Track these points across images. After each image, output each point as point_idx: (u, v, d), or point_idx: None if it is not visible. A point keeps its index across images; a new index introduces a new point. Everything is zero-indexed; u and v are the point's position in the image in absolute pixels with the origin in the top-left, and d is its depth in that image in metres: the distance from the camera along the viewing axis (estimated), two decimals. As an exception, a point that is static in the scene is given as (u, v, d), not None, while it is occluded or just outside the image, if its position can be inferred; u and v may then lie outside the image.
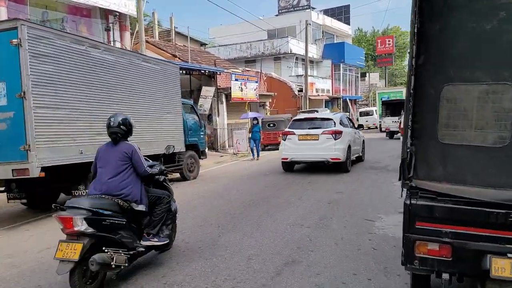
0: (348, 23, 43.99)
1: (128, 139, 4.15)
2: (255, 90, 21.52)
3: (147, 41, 20.07)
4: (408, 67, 2.75)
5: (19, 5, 12.81)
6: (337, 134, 10.24)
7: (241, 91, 20.19)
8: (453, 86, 2.63)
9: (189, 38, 21.20)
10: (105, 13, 15.58)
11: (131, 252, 3.76)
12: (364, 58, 44.16)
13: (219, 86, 19.51)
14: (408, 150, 2.70)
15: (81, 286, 3.41)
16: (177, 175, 10.85)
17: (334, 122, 10.67)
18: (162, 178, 4.34)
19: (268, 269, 4.04)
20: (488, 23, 2.51)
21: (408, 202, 2.70)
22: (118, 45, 14.96)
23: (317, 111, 23.66)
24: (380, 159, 13.23)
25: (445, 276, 2.63)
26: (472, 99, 2.59)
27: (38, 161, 5.98)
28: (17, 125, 5.91)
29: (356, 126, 13.56)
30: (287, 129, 11.15)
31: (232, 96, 19.51)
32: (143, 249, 3.97)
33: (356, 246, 4.67)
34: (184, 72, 17.38)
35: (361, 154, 12.69)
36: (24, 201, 7.46)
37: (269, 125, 19.91)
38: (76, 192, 7.24)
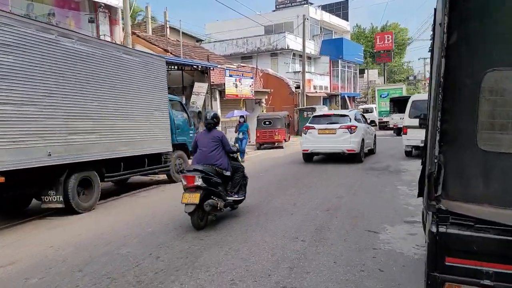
0: (347, 19, 43.44)
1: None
2: (250, 86, 20.74)
3: (138, 35, 19.25)
4: (434, 48, 2.04)
5: (0, -4, 12.00)
6: (352, 129, 11.49)
7: (236, 87, 19.39)
8: (499, 73, 1.92)
9: (181, 32, 20.36)
10: (95, 6, 14.92)
11: (224, 202, 5.59)
12: (363, 55, 43.44)
13: (213, 82, 18.67)
14: (436, 161, 1.98)
15: (197, 223, 5.30)
16: (164, 176, 10.15)
17: (350, 118, 11.94)
18: (235, 155, 6.26)
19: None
20: None
21: (434, 230, 1.99)
22: (108, 39, 14.21)
23: (314, 109, 23.04)
24: (380, 159, 12.71)
25: None
26: None
27: (-4, 164, 5.25)
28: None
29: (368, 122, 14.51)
30: (308, 124, 12.45)
31: (226, 93, 18.72)
32: (231, 201, 5.80)
33: (358, 266, 3.98)
34: (176, 67, 16.62)
35: (373, 147, 13.85)
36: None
37: (264, 122, 19.15)
38: (46, 198, 6.52)
